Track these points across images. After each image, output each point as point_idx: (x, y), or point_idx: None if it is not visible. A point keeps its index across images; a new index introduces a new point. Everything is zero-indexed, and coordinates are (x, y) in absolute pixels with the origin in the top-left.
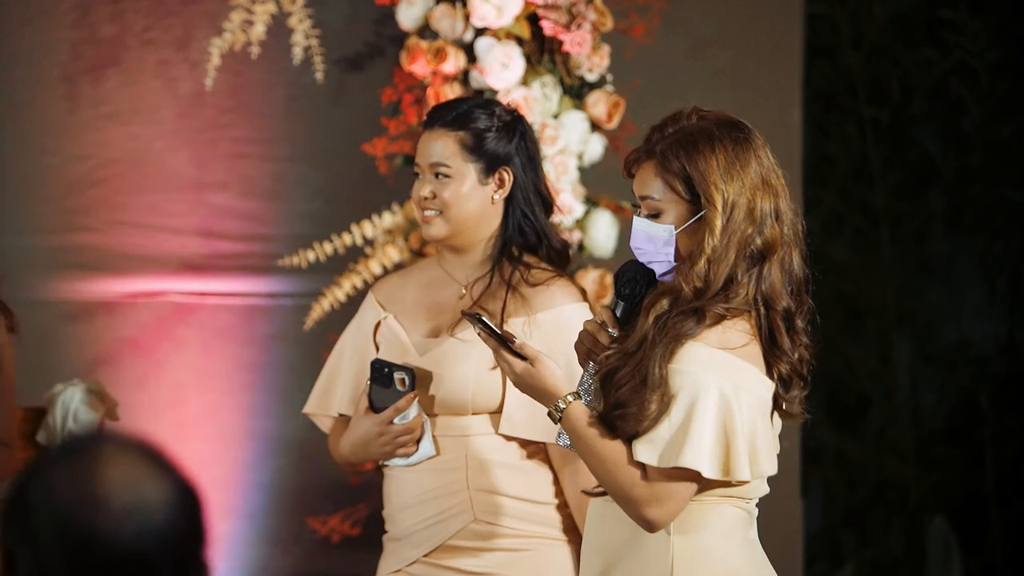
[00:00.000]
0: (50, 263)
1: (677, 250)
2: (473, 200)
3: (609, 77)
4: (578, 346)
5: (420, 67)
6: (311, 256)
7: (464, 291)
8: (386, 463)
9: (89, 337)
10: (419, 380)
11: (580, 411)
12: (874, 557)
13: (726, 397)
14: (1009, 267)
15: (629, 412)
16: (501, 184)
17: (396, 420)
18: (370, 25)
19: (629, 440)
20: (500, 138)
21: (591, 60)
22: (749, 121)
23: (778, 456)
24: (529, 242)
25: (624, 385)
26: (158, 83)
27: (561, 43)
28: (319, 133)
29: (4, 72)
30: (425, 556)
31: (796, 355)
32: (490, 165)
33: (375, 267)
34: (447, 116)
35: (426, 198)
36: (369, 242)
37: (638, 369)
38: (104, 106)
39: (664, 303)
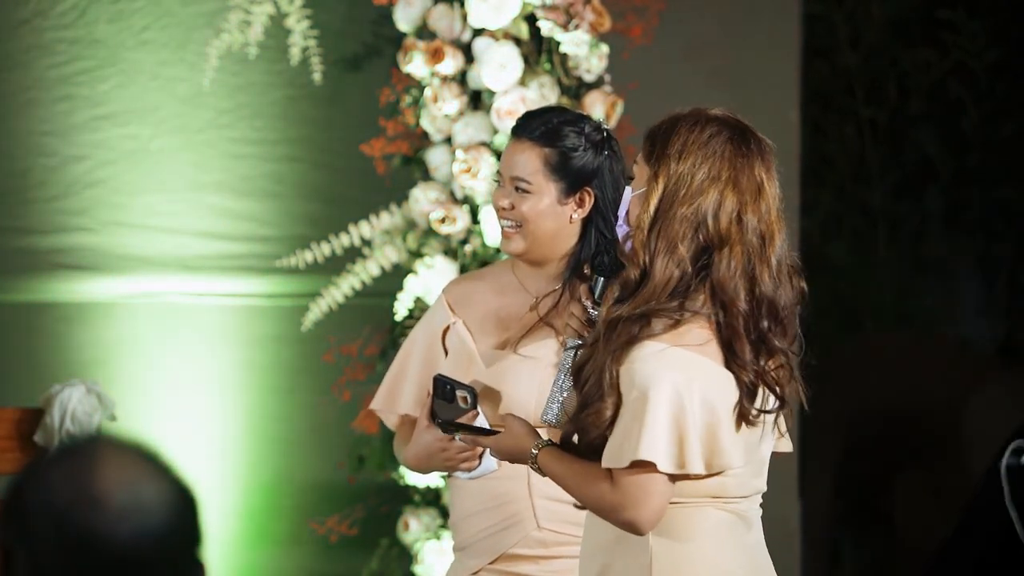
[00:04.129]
0: (48, 264)
1: (627, 215)
2: (550, 218)
3: (607, 78)
4: (566, 329)
5: (418, 67)
6: (309, 257)
7: (534, 302)
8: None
9: (87, 338)
10: (482, 393)
11: (550, 456)
12: (872, 558)
13: (678, 390)
14: (1007, 268)
15: (589, 420)
16: (581, 204)
17: (457, 437)
18: (368, 26)
19: (595, 452)
20: (586, 157)
21: (589, 61)
22: (747, 122)
23: (775, 458)
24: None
25: (589, 381)
26: (156, 84)
27: (559, 43)
28: (317, 134)
29: (2, 73)
30: (488, 564)
31: (763, 365)
32: (572, 185)
33: (373, 268)
34: (535, 129)
35: (504, 208)
36: (367, 243)
37: (596, 366)
38: (102, 107)
39: (615, 290)
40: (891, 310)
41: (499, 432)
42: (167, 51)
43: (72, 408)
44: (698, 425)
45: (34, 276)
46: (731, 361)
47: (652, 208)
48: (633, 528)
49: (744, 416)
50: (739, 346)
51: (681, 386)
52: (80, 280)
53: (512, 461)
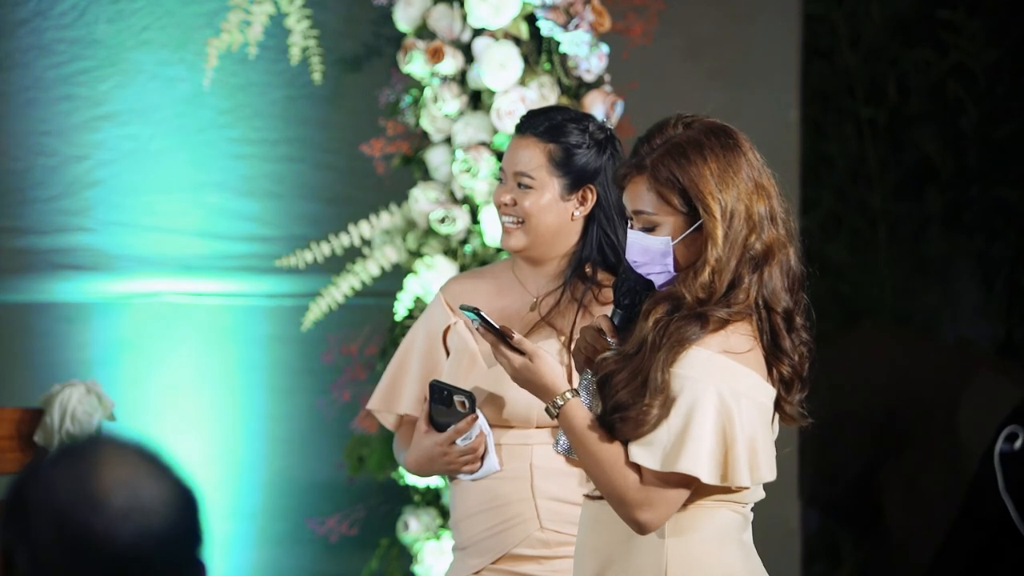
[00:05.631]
0: (48, 264)
1: (676, 260)
2: (552, 213)
3: (607, 77)
4: (576, 353)
5: (418, 67)
6: (309, 256)
7: (534, 302)
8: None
9: (87, 338)
10: (483, 393)
11: (578, 409)
12: (872, 557)
13: (726, 403)
14: (1006, 267)
15: (629, 416)
16: (583, 201)
17: (458, 441)
18: (368, 25)
19: (626, 443)
20: (589, 155)
21: (589, 60)
22: (746, 122)
23: (776, 457)
24: (608, 261)
25: (623, 388)
26: (156, 83)
27: (559, 43)
28: (317, 134)
29: (2, 73)
30: (491, 564)
31: (796, 355)
32: (575, 182)
33: (373, 268)
34: (539, 125)
35: (506, 204)
36: (367, 242)
37: (638, 373)
38: (102, 106)
39: (663, 308)
40: (891, 310)
41: (526, 354)
42: (167, 51)
43: (72, 408)
44: (745, 438)
45: (34, 276)
46: (773, 355)
47: (720, 243)
48: (640, 527)
49: (782, 409)
50: (782, 341)
51: (729, 398)
52: (80, 280)
53: (529, 390)
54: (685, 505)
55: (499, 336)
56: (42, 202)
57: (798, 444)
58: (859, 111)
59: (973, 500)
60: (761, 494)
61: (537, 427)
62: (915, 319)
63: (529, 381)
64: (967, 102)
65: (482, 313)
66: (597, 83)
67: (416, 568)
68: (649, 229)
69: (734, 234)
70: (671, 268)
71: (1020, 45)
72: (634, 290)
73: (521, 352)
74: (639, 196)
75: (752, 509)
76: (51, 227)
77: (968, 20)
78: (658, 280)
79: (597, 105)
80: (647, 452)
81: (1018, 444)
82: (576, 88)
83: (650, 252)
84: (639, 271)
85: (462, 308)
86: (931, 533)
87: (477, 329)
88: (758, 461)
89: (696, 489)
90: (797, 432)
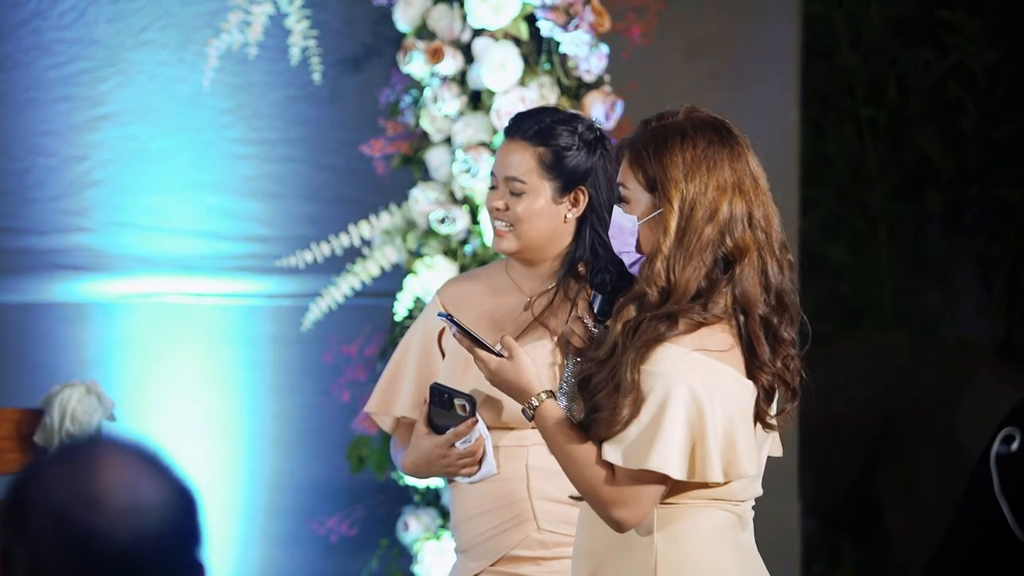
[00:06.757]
0: (48, 264)
1: (639, 243)
2: (545, 217)
3: (607, 78)
4: (560, 340)
5: (418, 67)
6: (309, 257)
7: (528, 302)
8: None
9: (86, 338)
10: (481, 395)
11: (553, 410)
12: (871, 558)
13: (698, 399)
14: (1006, 267)
15: (602, 416)
16: (575, 203)
17: (457, 444)
18: (368, 26)
19: (602, 442)
20: (580, 157)
21: (588, 61)
22: (746, 122)
23: (776, 458)
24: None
25: (599, 391)
26: (156, 84)
27: (559, 44)
28: (317, 134)
29: (2, 73)
30: (490, 566)
31: (779, 364)
32: (567, 184)
33: (373, 268)
34: (529, 128)
35: (498, 209)
36: (367, 243)
37: (612, 375)
38: (102, 107)
39: (631, 309)
40: (891, 310)
41: (503, 356)
42: (167, 51)
43: (72, 408)
44: (718, 434)
45: (34, 276)
46: (751, 364)
47: (673, 233)
48: (617, 525)
49: (761, 419)
50: (759, 349)
51: (701, 394)
52: (80, 280)
53: (507, 393)
54: (673, 504)
55: (474, 340)
56: (42, 202)
57: (798, 445)
58: (859, 111)
59: (970, 502)
60: (756, 491)
61: (533, 428)
62: (915, 319)
63: (506, 383)
64: (967, 102)
65: (455, 319)
66: (597, 83)
67: (416, 568)
68: (625, 205)
69: (692, 227)
70: (633, 249)
71: (1020, 45)
72: (605, 269)
73: (499, 354)
74: (622, 171)
75: (753, 507)
76: (51, 227)
77: (968, 20)
78: (626, 260)
79: (597, 105)
80: (617, 450)
81: (1015, 446)
82: (576, 88)
83: (621, 229)
84: (614, 248)
85: (439, 315)
86: (929, 534)
87: (454, 335)
88: (737, 457)
89: (679, 487)
90: (797, 433)
